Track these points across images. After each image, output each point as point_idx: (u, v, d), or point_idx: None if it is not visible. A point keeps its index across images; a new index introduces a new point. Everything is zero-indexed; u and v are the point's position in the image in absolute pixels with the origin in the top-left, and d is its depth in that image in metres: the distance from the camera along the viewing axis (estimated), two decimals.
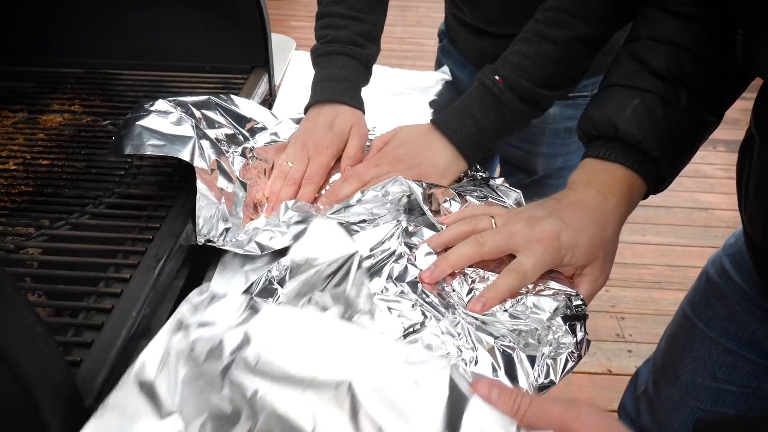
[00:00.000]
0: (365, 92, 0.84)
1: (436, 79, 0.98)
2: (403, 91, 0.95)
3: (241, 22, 0.91)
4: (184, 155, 0.64)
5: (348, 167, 0.75)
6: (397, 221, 0.62)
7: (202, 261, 0.65)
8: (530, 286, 0.57)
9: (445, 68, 1.02)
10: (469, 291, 0.57)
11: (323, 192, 0.73)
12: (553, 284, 0.58)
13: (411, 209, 0.67)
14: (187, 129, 0.67)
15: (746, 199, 0.60)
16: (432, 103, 0.93)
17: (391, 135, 0.76)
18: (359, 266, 0.55)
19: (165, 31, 0.94)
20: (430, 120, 0.75)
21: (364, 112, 0.81)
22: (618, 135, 0.60)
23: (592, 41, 0.71)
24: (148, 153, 0.64)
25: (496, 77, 0.71)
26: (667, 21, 0.61)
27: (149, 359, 0.43)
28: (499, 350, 0.50)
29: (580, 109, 0.94)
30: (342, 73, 0.80)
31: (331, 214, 0.66)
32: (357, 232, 0.61)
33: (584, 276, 0.59)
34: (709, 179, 2.50)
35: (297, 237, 0.60)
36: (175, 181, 0.70)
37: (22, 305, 0.36)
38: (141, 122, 0.66)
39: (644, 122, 0.59)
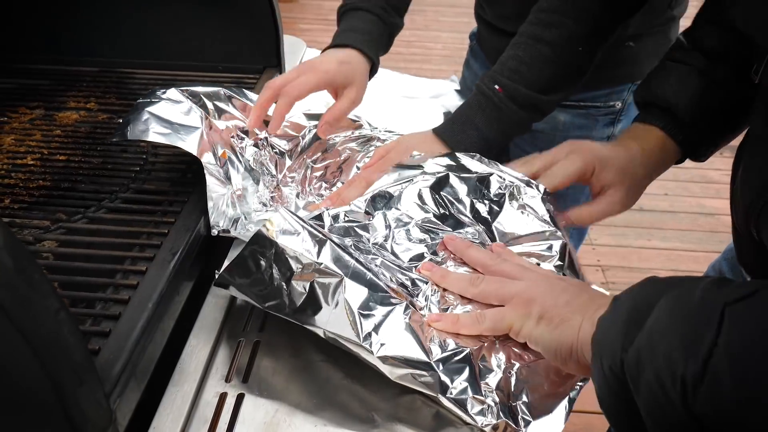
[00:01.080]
0: (376, 93, 0.85)
1: (447, 88, 0.99)
2: (415, 95, 0.97)
3: (253, 23, 0.92)
4: (188, 145, 0.65)
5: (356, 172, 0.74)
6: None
7: (217, 253, 0.67)
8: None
9: (455, 77, 1.02)
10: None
11: (327, 195, 0.73)
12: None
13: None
14: (195, 119, 0.68)
15: (734, 191, 0.62)
16: (447, 114, 0.94)
17: (395, 143, 0.75)
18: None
19: (179, 31, 0.96)
20: (432, 130, 0.75)
21: (375, 71, 0.83)
22: (657, 101, 0.68)
23: (587, 40, 0.71)
24: (151, 140, 0.65)
25: (496, 86, 0.71)
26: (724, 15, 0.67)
27: None
28: None
29: (593, 119, 0.96)
30: (366, 27, 0.81)
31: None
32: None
33: (605, 195, 0.67)
34: (715, 184, 2.50)
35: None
36: (189, 177, 0.71)
37: (48, 292, 0.38)
38: (150, 108, 0.67)
39: (680, 91, 0.67)
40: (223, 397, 0.53)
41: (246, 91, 0.81)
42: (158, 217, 0.64)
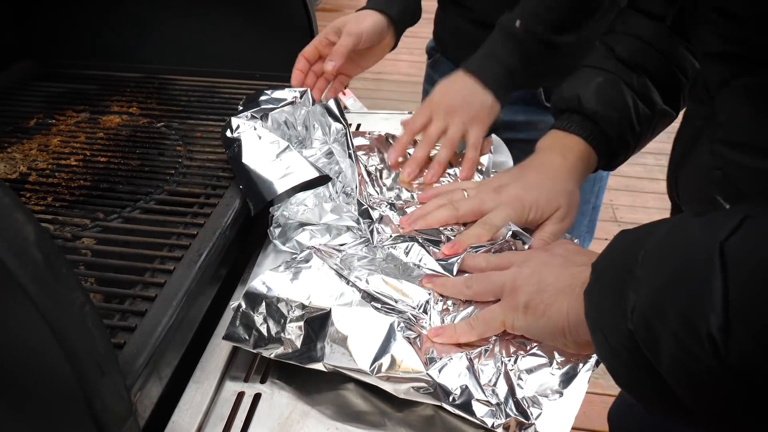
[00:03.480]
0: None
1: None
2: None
3: (290, 31, 0.95)
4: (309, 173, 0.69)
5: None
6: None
7: (241, 259, 0.69)
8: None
9: None
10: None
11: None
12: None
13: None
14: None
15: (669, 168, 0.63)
16: None
17: (432, 93, 0.82)
18: None
19: (219, 40, 0.99)
20: (461, 67, 0.81)
21: (400, 31, 0.90)
22: (580, 107, 0.68)
23: None
24: (285, 189, 0.69)
25: (517, 23, 0.78)
26: (638, 18, 0.68)
27: None
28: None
29: None
30: None
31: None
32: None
33: (550, 220, 0.66)
34: None
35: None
36: (222, 181, 0.74)
37: (74, 285, 0.40)
38: (246, 162, 0.71)
39: (603, 98, 0.67)
40: (240, 396, 0.54)
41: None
42: (188, 219, 0.67)
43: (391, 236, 0.65)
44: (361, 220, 0.66)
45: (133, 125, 0.87)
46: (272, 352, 0.55)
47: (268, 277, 0.57)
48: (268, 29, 0.95)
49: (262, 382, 0.56)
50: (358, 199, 0.68)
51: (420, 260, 0.61)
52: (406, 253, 0.62)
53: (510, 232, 0.63)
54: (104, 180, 0.74)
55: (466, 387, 0.50)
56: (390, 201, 0.71)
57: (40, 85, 0.98)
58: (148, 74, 1.01)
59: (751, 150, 0.48)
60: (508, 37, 0.79)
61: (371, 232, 0.65)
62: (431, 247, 0.62)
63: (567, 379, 0.51)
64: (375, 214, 0.67)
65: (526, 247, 0.64)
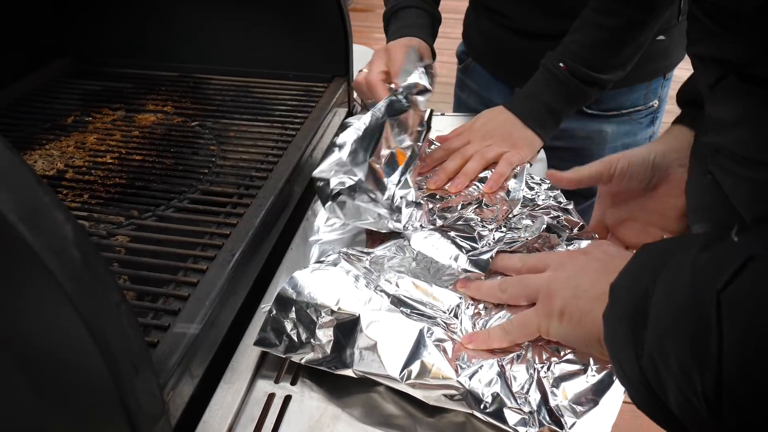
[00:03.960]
0: None
1: None
2: None
3: (325, 32, 0.94)
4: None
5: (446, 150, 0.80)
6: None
7: (273, 259, 0.69)
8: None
9: None
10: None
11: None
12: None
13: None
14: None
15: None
16: None
17: (473, 120, 0.84)
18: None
19: (252, 40, 0.99)
20: (503, 105, 0.82)
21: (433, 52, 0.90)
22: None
23: (645, 24, 0.76)
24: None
25: (561, 64, 0.78)
26: None
27: None
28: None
29: (636, 124, 0.95)
30: (419, 22, 0.90)
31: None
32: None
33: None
34: None
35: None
36: (255, 181, 0.74)
37: (111, 285, 0.40)
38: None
39: None
40: (271, 398, 0.54)
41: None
42: (221, 219, 0.67)
43: (421, 227, 0.65)
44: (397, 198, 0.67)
45: (168, 124, 0.88)
46: (302, 357, 0.55)
47: (298, 280, 0.56)
48: (301, 29, 0.95)
49: (293, 383, 0.56)
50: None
51: (451, 257, 0.60)
52: (436, 249, 0.62)
53: (544, 226, 0.62)
54: (139, 178, 0.75)
55: (498, 395, 0.49)
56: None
57: (77, 82, 1.00)
58: (182, 73, 1.01)
59: (731, 155, 0.46)
60: (551, 79, 0.80)
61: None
62: (463, 242, 0.62)
63: (602, 388, 0.50)
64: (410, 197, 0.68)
65: (561, 242, 0.63)
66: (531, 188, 0.75)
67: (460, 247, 0.62)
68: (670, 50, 0.92)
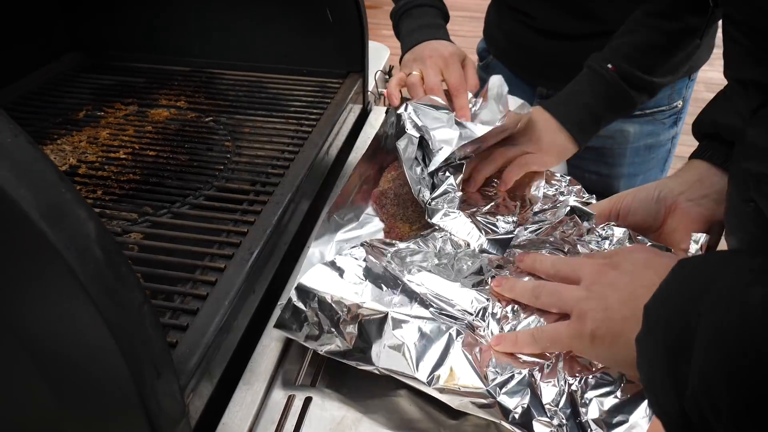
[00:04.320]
0: None
1: None
2: None
3: (340, 28, 0.93)
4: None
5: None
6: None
7: (288, 259, 0.67)
8: None
9: None
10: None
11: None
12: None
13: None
14: None
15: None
16: None
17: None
18: None
19: (267, 34, 0.98)
20: (539, 104, 0.78)
21: None
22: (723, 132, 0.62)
23: (699, 28, 0.73)
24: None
25: (609, 65, 0.74)
26: None
27: None
28: None
29: (659, 124, 0.94)
30: (436, 22, 0.86)
31: None
32: None
33: None
34: None
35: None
36: (271, 178, 0.72)
37: (134, 285, 0.39)
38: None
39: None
40: (291, 399, 0.53)
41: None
42: (239, 216, 0.66)
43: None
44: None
45: (182, 119, 0.86)
46: (324, 348, 0.53)
47: (319, 273, 0.55)
48: (316, 24, 0.94)
49: (312, 385, 0.55)
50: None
51: (469, 233, 0.62)
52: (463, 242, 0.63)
53: (568, 209, 0.63)
54: (153, 174, 0.74)
55: (528, 406, 0.48)
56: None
57: (89, 77, 0.98)
58: (195, 68, 1.00)
59: None
60: (596, 80, 0.76)
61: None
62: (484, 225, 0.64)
63: (633, 404, 0.48)
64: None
65: (591, 225, 0.63)
66: (552, 185, 0.74)
67: (479, 228, 0.63)
68: (697, 52, 0.90)
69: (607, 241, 0.62)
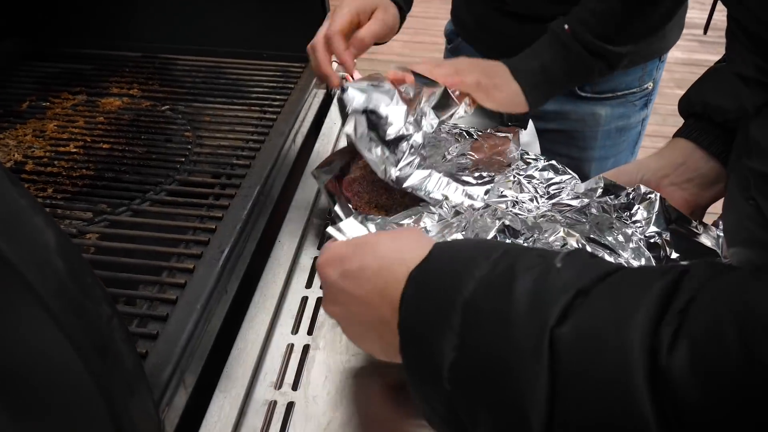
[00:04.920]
0: None
1: None
2: None
3: (301, 9, 0.89)
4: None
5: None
6: None
7: (258, 254, 0.64)
8: None
9: None
10: None
11: None
12: None
13: None
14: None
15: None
16: None
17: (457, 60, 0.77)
18: None
19: (223, 16, 0.93)
20: (501, 61, 0.76)
21: (404, 18, 0.79)
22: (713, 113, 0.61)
23: (657, 1, 0.72)
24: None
25: (565, 26, 0.74)
26: None
27: None
28: None
29: (630, 106, 0.93)
30: None
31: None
32: None
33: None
34: None
35: None
36: (236, 169, 0.69)
37: (101, 297, 0.35)
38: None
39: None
40: (272, 406, 0.50)
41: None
42: (205, 212, 0.62)
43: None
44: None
45: (136, 108, 0.81)
46: None
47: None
48: (276, 4, 0.89)
49: (294, 389, 0.52)
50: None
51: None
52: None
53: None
54: (108, 169, 0.69)
55: None
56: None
57: (30, 64, 0.92)
58: (146, 53, 0.94)
59: None
60: (554, 40, 0.75)
61: None
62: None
63: None
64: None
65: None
66: (527, 163, 0.72)
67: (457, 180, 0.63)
68: (666, 31, 0.89)
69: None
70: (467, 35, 1.00)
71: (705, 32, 0.61)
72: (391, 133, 0.64)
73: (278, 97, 0.83)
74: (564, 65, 0.74)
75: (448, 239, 0.54)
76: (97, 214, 0.62)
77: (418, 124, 0.67)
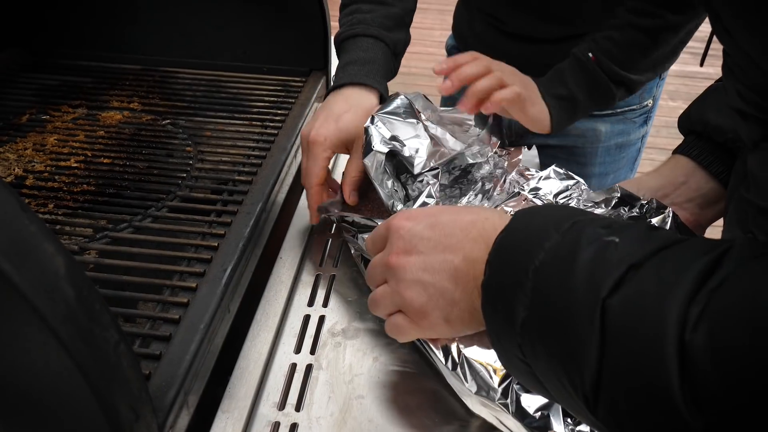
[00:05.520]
0: None
1: None
2: None
3: (302, 24, 0.89)
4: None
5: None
6: None
7: (260, 270, 0.64)
8: None
9: None
10: None
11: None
12: None
13: None
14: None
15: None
16: None
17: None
18: None
19: (224, 30, 0.93)
20: (532, 78, 0.77)
21: (384, 99, 0.73)
22: (713, 133, 0.62)
23: (681, 27, 0.74)
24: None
25: (590, 54, 0.75)
26: None
27: None
28: None
29: (630, 123, 0.94)
30: (367, 56, 0.73)
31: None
32: None
33: None
34: None
35: None
36: (239, 185, 0.68)
37: (108, 323, 0.35)
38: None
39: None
40: (276, 427, 0.50)
41: None
42: (207, 228, 0.61)
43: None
44: None
45: (137, 122, 0.81)
46: None
47: None
48: (277, 19, 0.90)
49: (297, 410, 0.52)
50: None
51: None
52: None
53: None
54: (109, 184, 0.68)
55: (548, 415, 0.46)
56: None
57: (30, 76, 0.91)
58: (146, 66, 0.94)
59: None
60: (578, 66, 0.77)
61: None
62: None
63: None
64: None
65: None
66: (527, 178, 0.71)
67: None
68: None
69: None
70: (468, 49, 1.01)
71: (702, 64, 0.62)
72: (419, 163, 0.64)
73: (279, 111, 0.83)
74: (587, 90, 0.76)
75: None
76: (98, 231, 0.62)
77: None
